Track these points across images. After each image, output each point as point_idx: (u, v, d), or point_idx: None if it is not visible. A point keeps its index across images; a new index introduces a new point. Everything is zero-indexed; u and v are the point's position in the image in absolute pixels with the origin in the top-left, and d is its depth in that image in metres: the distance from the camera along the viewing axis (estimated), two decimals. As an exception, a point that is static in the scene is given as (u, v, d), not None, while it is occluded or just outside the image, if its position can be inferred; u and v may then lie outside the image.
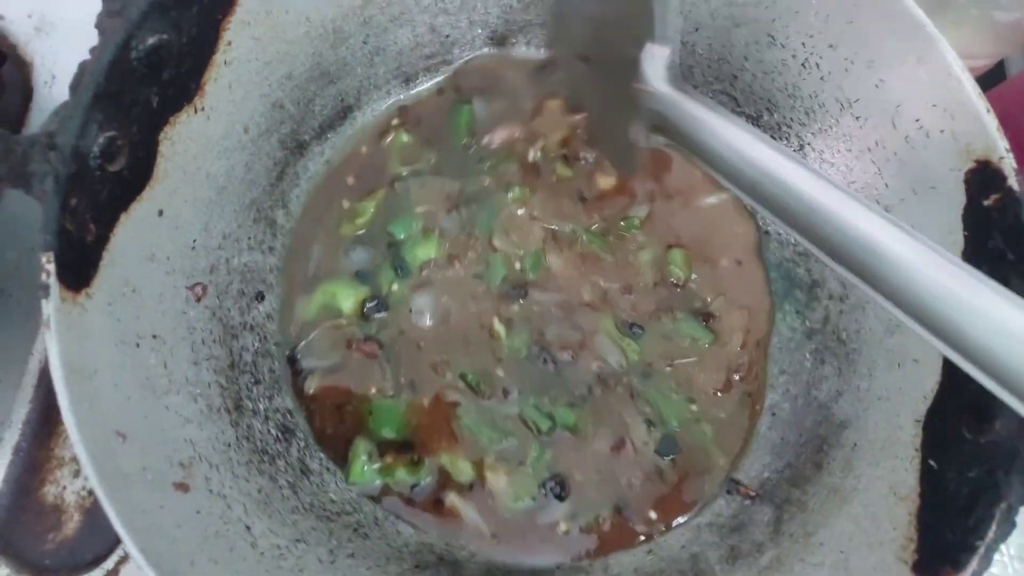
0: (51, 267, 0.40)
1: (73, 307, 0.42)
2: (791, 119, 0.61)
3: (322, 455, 0.56)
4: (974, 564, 0.43)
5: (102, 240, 0.44)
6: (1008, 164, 0.49)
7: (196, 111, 0.50)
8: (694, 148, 0.43)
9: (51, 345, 0.40)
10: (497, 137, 0.64)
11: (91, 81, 0.43)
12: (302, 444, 0.56)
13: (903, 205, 0.55)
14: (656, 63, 0.46)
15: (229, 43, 0.51)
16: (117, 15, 0.44)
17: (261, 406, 0.55)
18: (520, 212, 0.62)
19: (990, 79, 0.72)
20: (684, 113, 0.43)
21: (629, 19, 0.48)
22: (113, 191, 0.45)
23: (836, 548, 0.51)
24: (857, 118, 0.57)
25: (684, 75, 0.59)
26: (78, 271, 0.43)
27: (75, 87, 0.43)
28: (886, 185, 0.56)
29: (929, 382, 0.51)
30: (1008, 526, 0.44)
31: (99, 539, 0.60)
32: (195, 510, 0.44)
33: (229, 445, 0.50)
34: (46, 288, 0.40)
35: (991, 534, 0.44)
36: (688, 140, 0.43)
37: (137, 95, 0.46)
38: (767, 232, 0.65)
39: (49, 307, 0.40)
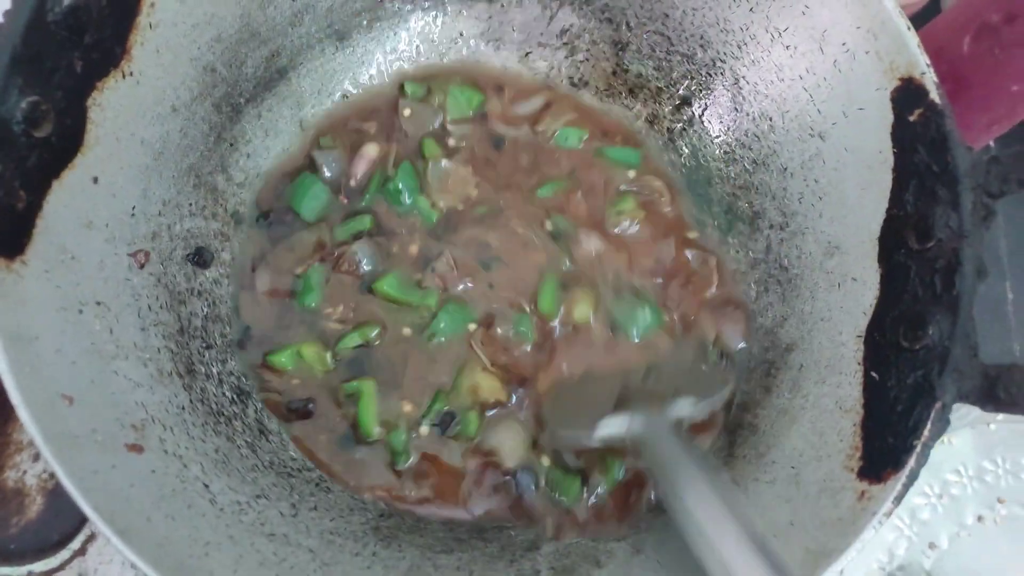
0: (-20, 234, 0.40)
1: (8, 274, 0.41)
2: (724, 54, 0.62)
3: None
4: (912, 462, 0.45)
5: (34, 207, 0.44)
6: (930, 79, 0.50)
7: (124, 76, 0.50)
8: (660, 484, 0.49)
9: (-13, 311, 0.40)
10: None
11: (7, 44, 0.42)
12: (259, 406, 0.56)
13: (835, 129, 0.56)
14: (683, 411, 0.53)
15: (152, 4, 0.50)
16: (30, -24, 0.44)
17: (214, 370, 0.55)
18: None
19: (926, 15, 0.73)
20: (673, 457, 0.48)
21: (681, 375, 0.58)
22: (42, 157, 0.44)
23: (787, 464, 0.52)
24: (787, 47, 0.58)
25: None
26: (11, 239, 0.42)
27: (-9, 52, 0.43)
28: (818, 111, 0.57)
29: (868, 298, 0.53)
30: (942, 423, 0.45)
31: (64, 520, 0.60)
32: (150, 470, 0.44)
33: (183, 408, 0.50)
34: (-23, 255, 0.40)
35: (927, 433, 0.45)
36: (658, 474, 0.49)
37: (58, 59, 0.45)
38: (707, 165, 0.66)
39: (-18, 274, 0.40)
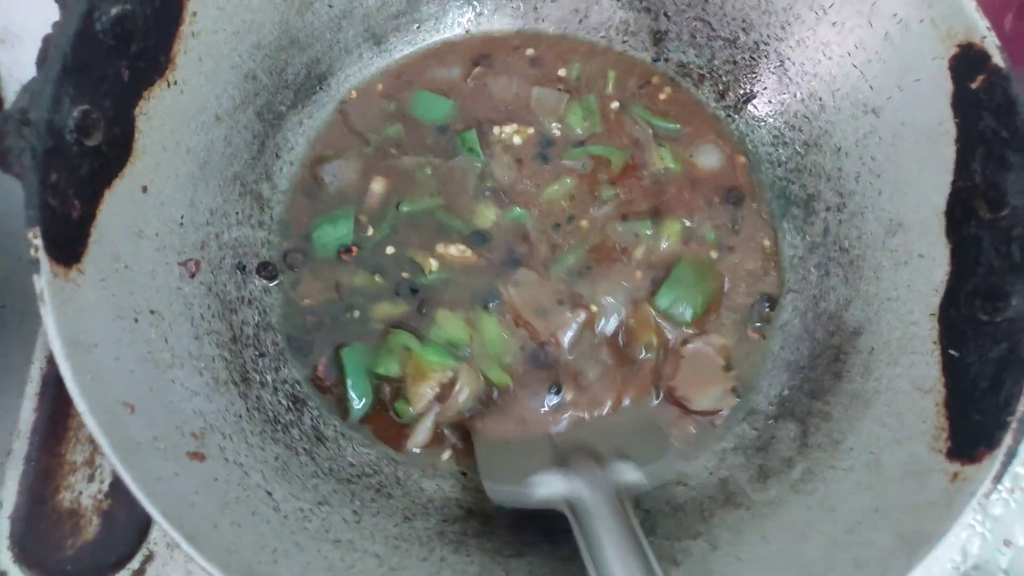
0: (38, 242, 0.40)
1: (66, 282, 0.41)
2: (767, 36, 0.61)
3: (336, 423, 0.55)
4: (1008, 439, 0.43)
5: (88, 217, 0.44)
6: (991, 43, 0.49)
7: (169, 85, 0.50)
8: (586, 548, 0.44)
9: (47, 319, 0.39)
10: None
11: (58, 53, 0.42)
12: (315, 413, 0.55)
13: (890, 104, 0.55)
14: (626, 476, 0.49)
15: (194, 13, 0.50)
16: (76, -14, 0.44)
17: (268, 378, 0.54)
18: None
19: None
20: (609, 530, 0.44)
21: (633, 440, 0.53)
22: (93, 166, 0.44)
23: (866, 450, 0.50)
24: (833, 24, 0.57)
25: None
26: (67, 247, 0.42)
27: (41, 61, 0.43)
28: (871, 87, 0.56)
29: (938, 274, 0.51)
30: (1037, 397, 0.43)
31: (121, 541, 0.59)
32: (212, 478, 0.43)
33: (240, 416, 0.49)
34: (36, 263, 0.39)
35: (1022, 408, 0.43)
36: (589, 548, 0.44)
37: (106, 68, 0.45)
38: (756, 154, 0.64)
39: (41, 281, 0.39)
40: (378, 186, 0.61)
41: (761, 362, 0.59)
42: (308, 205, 0.61)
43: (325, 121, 0.63)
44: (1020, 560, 0.70)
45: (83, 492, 0.60)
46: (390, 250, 0.60)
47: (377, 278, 0.59)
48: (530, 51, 0.67)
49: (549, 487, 0.48)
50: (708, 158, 0.64)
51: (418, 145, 0.63)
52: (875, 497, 0.47)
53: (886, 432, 0.50)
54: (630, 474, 0.49)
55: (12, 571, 0.56)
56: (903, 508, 0.45)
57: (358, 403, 0.56)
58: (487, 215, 0.61)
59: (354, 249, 0.59)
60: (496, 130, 0.64)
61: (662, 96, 0.66)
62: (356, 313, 0.58)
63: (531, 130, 0.64)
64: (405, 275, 0.59)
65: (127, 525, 0.59)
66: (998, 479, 0.42)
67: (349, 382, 0.56)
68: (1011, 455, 0.43)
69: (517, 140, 0.64)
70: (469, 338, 0.57)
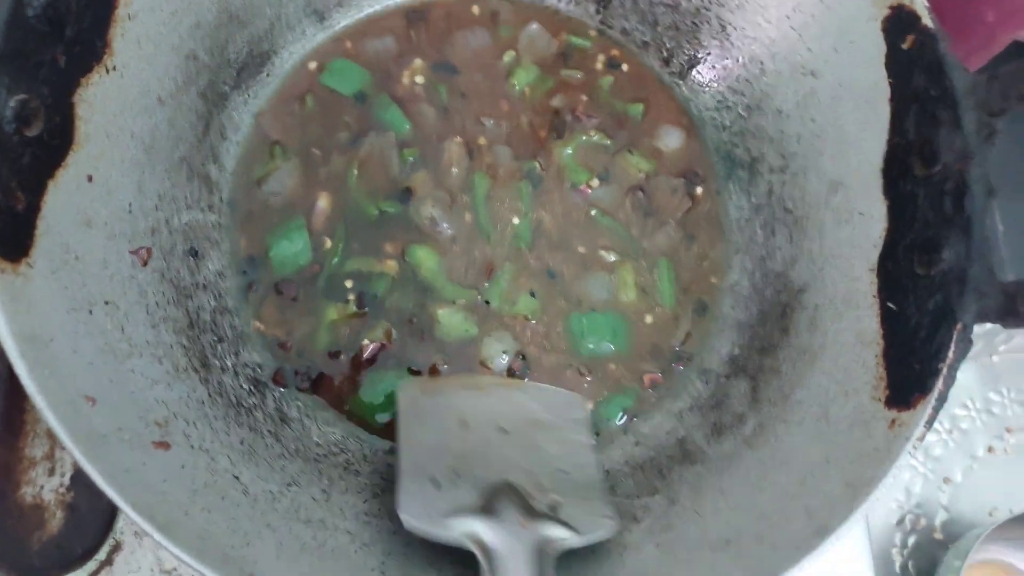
0: (-18, 238, 0.39)
1: (15, 277, 0.40)
2: (708, 1, 0.61)
3: (300, 402, 0.56)
4: (939, 385, 0.45)
5: (33, 209, 0.43)
6: (920, 4, 0.50)
7: (108, 71, 0.48)
8: None
9: (-3, 316, 0.38)
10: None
11: (-9, 42, 0.41)
12: (276, 395, 0.55)
13: (828, 66, 0.56)
14: (553, 532, 0.45)
15: (129, -6, 0.49)
16: (4, -30, 0.42)
17: (228, 362, 0.54)
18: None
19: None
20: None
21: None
22: (36, 156, 0.43)
23: (814, 403, 0.52)
24: (772, -13, 0.58)
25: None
26: (14, 241, 0.41)
27: (-27, 52, 0.41)
28: (809, 49, 0.57)
29: (876, 230, 0.53)
30: (965, 344, 0.46)
31: (87, 532, 0.59)
32: (180, 465, 0.43)
33: (203, 402, 0.49)
34: (-19, 259, 0.39)
35: (951, 355, 0.46)
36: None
37: (42, 55, 0.44)
38: (701, 119, 0.66)
39: (-11, 278, 0.38)
40: (323, 203, 0.60)
41: (708, 326, 0.61)
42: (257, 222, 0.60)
43: (268, 99, 0.62)
44: (958, 496, 0.74)
45: (44, 486, 0.59)
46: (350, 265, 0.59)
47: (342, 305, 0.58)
48: (475, 9, 0.66)
49: (468, 529, 0.44)
50: (671, 139, 0.65)
51: (335, 125, 0.62)
52: (825, 448, 0.49)
53: (833, 384, 0.52)
54: (558, 532, 0.45)
55: (-21, 569, 0.56)
56: (851, 456, 0.47)
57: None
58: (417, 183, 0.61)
59: (316, 267, 0.59)
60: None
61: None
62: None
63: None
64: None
65: (92, 516, 0.58)
66: (930, 423, 0.45)
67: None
68: (942, 399, 0.45)
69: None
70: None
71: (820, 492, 0.47)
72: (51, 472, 0.59)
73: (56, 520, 0.59)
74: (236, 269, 0.58)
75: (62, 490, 0.59)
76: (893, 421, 0.46)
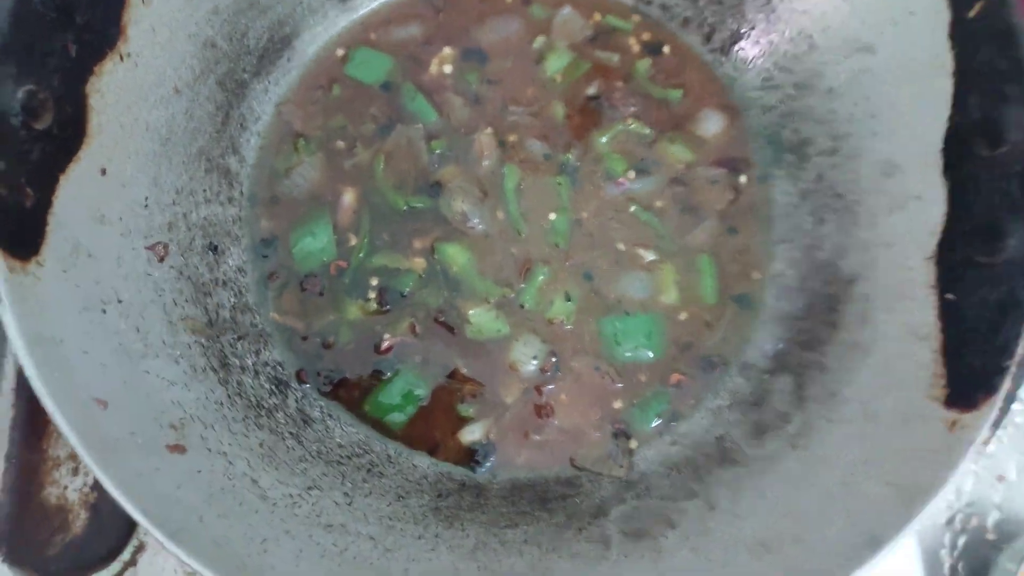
0: (-10, 236, 0.37)
1: (25, 277, 0.39)
2: (753, -28, 0.58)
3: (322, 403, 0.54)
4: (1007, 384, 0.42)
5: (44, 205, 0.41)
6: (988, -31, 0.46)
7: (122, 58, 0.47)
8: None
9: (6, 317, 0.37)
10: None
11: (-5, 32, 0.39)
12: (298, 394, 0.54)
13: (883, 39, 0.52)
14: None
15: (143, -21, 0.47)
16: (9, -44, 0.40)
17: (249, 361, 0.52)
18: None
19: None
20: None
21: None
22: (45, 151, 0.42)
23: (862, 401, 0.49)
24: (821, -43, 0.54)
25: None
26: (23, 239, 0.40)
27: (-22, 41, 0.40)
28: (863, 22, 0.53)
29: (935, 216, 0.49)
30: (1036, 339, 0.42)
31: (110, 533, 0.58)
32: (195, 469, 0.42)
33: (221, 404, 0.47)
34: (-10, 259, 0.37)
35: (1020, 351, 0.42)
36: None
37: (51, 43, 0.42)
38: (745, 99, 0.62)
39: (-2, 279, 0.37)
40: (348, 197, 0.58)
41: (750, 319, 0.58)
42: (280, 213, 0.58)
43: (291, 88, 0.60)
44: (1013, 495, 0.70)
45: (68, 487, 0.58)
46: (375, 261, 0.57)
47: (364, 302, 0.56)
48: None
49: None
50: (712, 124, 0.61)
51: (360, 116, 0.60)
52: (870, 447, 0.46)
53: (883, 381, 0.49)
54: None
55: (1, 571, 0.55)
56: (900, 458, 0.44)
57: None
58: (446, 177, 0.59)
59: (341, 263, 0.57)
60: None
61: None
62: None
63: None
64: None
65: (115, 517, 0.57)
66: (997, 425, 0.41)
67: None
68: (1010, 400, 0.42)
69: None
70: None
71: (862, 494, 0.44)
72: (75, 472, 0.59)
73: (80, 521, 0.58)
74: (256, 254, 0.56)
75: (86, 490, 0.59)
76: (954, 423, 0.43)
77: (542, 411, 0.55)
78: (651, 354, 0.56)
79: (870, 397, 0.49)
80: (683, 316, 0.57)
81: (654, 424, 0.55)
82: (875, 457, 0.45)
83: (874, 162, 0.54)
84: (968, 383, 0.43)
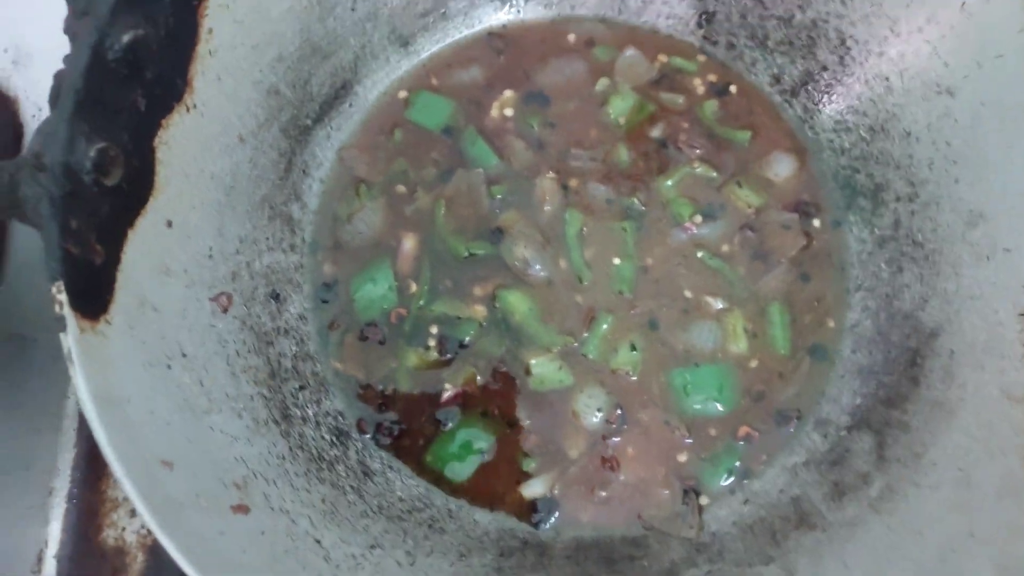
0: (62, 297, 0.37)
1: (94, 336, 0.38)
2: (827, 12, 0.56)
3: (383, 454, 0.53)
4: (1120, 459, 0.39)
5: (113, 262, 0.41)
6: (1086, 11, 0.44)
7: (188, 110, 0.47)
8: None
9: (77, 379, 0.37)
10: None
11: (70, 90, 0.39)
12: (359, 445, 0.53)
13: (968, 82, 0.50)
14: None
15: (210, 30, 0.47)
16: (84, 15, 0.41)
17: (310, 412, 0.51)
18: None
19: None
20: None
21: None
22: (115, 207, 0.42)
23: (952, 465, 0.46)
24: (901, -3, 0.52)
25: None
26: (93, 298, 0.39)
27: (54, 100, 0.40)
28: (945, 65, 0.51)
29: (1027, 269, 0.46)
30: None
31: (168, 575, 0.58)
32: (259, 531, 0.41)
33: (283, 457, 0.47)
34: (62, 320, 0.37)
35: None
36: None
37: (122, 99, 0.42)
38: (818, 142, 0.60)
39: (68, 340, 0.37)
40: (409, 243, 0.57)
41: (826, 371, 0.55)
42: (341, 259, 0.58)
43: (352, 133, 0.59)
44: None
45: (127, 528, 0.58)
46: (436, 308, 0.56)
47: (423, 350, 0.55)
48: (571, 37, 0.63)
49: None
50: (782, 167, 0.59)
51: (422, 161, 0.59)
52: (968, 520, 0.43)
53: (975, 445, 0.46)
54: None
55: (61, 617, 0.55)
56: (1000, 533, 0.41)
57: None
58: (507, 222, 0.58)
59: (402, 311, 0.56)
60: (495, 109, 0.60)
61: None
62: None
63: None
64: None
65: (173, 561, 0.57)
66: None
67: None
68: (1126, 478, 0.39)
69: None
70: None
71: (965, 573, 0.41)
72: (132, 514, 0.58)
73: (138, 563, 0.58)
74: (317, 301, 0.56)
75: (143, 532, 0.58)
76: (1059, 498, 0.40)
77: (607, 464, 0.53)
78: (721, 407, 0.54)
79: (962, 462, 0.46)
80: (754, 364, 0.55)
81: (725, 481, 0.53)
82: (975, 530, 0.42)
83: (956, 210, 0.51)
84: (1073, 453, 0.41)
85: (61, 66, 0.40)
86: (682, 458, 0.53)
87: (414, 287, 0.56)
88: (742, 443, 0.54)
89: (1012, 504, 0.42)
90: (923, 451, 0.48)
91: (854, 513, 0.48)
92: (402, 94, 0.61)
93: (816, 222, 0.58)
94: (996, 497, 0.43)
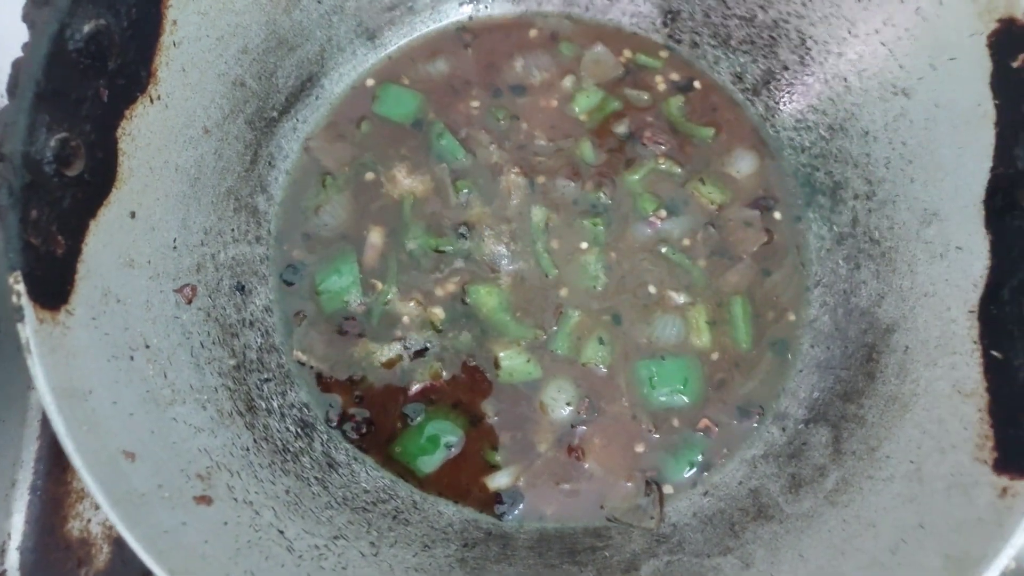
0: (20, 287, 0.37)
1: (54, 327, 0.38)
2: (788, 13, 0.57)
3: (348, 447, 0.53)
4: (1063, 450, 0.40)
5: (73, 252, 0.41)
6: (1034, 17, 0.45)
7: (152, 100, 0.47)
8: None
9: (35, 370, 0.37)
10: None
11: (29, 80, 0.39)
12: (324, 437, 0.53)
13: (922, 84, 0.51)
14: None
15: (174, 22, 0.47)
16: (45, 4, 0.40)
17: (275, 403, 0.51)
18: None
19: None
20: None
21: None
22: (76, 197, 0.41)
23: (905, 459, 0.47)
24: (859, -1, 0.53)
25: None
26: (53, 288, 0.39)
27: (12, 89, 0.39)
28: (900, 66, 0.52)
29: (977, 268, 0.48)
30: (1092, 404, 0.40)
31: (133, 568, 0.57)
32: (222, 522, 0.41)
33: (247, 449, 0.47)
34: (19, 311, 0.37)
35: (1075, 417, 0.40)
36: None
37: (84, 89, 0.42)
38: (778, 139, 0.61)
39: (27, 330, 0.37)
40: (376, 237, 0.57)
41: (785, 366, 0.56)
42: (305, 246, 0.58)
43: (318, 125, 0.59)
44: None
45: (92, 520, 0.58)
46: (401, 303, 0.56)
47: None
48: (537, 32, 0.63)
49: None
50: (743, 164, 0.60)
51: (389, 154, 0.59)
52: (918, 512, 0.44)
53: (927, 439, 0.47)
54: None
55: (23, 609, 0.55)
56: (950, 525, 0.42)
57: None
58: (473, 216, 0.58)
59: (364, 305, 0.56)
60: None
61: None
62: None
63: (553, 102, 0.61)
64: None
65: (139, 552, 0.57)
66: (1055, 494, 0.40)
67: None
68: (1068, 468, 0.40)
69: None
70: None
71: (915, 564, 0.42)
72: (98, 506, 0.58)
73: (103, 555, 0.57)
74: (281, 293, 0.56)
75: (109, 524, 0.58)
76: (1005, 489, 0.41)
77: (573, 453, 0.54)
78: (686, 399, 0.55)
79: (914, 455, 0.47)
80: (715, 357, 0.56)
81: (687, 473, 0.54)
82: (925, 522, 0.43)
83: (912, 209, 0.52)
84: (1019, 448, 0.42)
85: (19, 53, 0.40)
86: (647, 451, 0.54)
87: (380, 283, 0.56)
88: (702, 434, 0.55)
89: (960, 497, 0.43)
90: (877, 445, 0.49)
91: (810, 505, 0.49)
92: (369, 83, 0.61)
93: (777, 215, 0.59)
94: (945, 490, 0.44)
